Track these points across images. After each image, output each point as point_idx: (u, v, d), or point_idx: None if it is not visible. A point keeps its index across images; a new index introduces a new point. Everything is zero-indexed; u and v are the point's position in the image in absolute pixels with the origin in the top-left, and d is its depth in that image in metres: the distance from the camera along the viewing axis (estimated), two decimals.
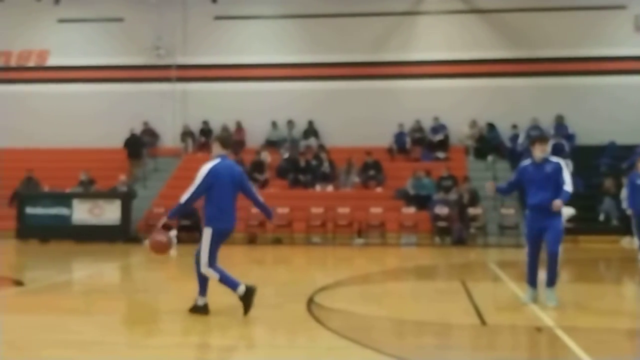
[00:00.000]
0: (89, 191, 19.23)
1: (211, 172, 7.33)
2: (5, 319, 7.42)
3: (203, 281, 7.46)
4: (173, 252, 15.59)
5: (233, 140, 7.58)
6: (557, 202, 7.78)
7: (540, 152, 8.15)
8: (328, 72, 22.76)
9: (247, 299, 7.34)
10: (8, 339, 6.37)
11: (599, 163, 19.65)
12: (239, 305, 7.38)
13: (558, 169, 8.06)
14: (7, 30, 23.86)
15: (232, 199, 7.53)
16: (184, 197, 7.25)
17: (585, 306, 8.24)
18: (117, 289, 10.56)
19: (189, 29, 23.48)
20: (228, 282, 7.40)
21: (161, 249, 7.60)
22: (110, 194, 18.63)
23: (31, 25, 23.91)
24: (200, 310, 7.40)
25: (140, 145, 22.21)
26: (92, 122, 22.87)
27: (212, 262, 7.47)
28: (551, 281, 8.08)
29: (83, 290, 10.34)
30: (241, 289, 7.34)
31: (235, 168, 7.58)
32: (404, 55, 22.58)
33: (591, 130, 20.73)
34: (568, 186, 7.96)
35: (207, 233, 7.38)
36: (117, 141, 22.20)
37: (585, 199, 18.54)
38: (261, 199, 7.85)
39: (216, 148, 7.58)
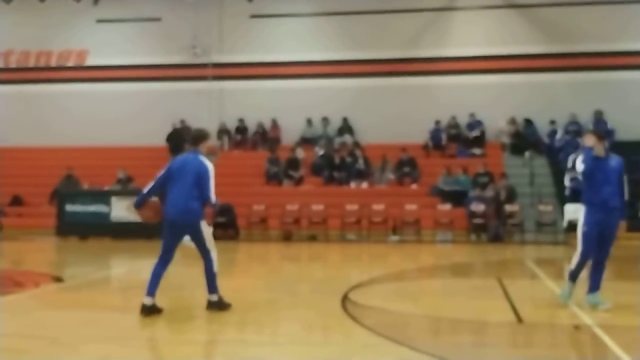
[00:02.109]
0: (127, 189, 19.46)
1: (168, 167, 7.64)
2: (46, 315, 7.56)
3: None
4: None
5: (200, 136, 7.43)
6: (624, 225, 7.65)
7: (602, 147, 7.77)
8: (363, 69, 22.72)
9: (147, 312, 7.14)
10: (48, 334, 6.49)
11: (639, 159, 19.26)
12: (275, 301, 7.41)
13: (621, 166, 7.83)
14: (47, 30, 24.28)
15: (180, 191, 7.32)
16: (146, 188, 7.70)
17: (624, 304, 8.09)
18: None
19: (225, 28, 23.65)
20: (150, 283, 7.23)
21: (151, 216, 7.98)
22: None
23: (70, 25, 24.32)
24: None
25: (182, 140, 22.44)
26: (130, 121, 23.16)
27: (160, 256, 7.36)
28: (598, 286, 7.81)
29: (121, 286, 10.50)
30: (148, 300, 7.17)
31: (190, 162, 7.37)
32: (440, 51, 22.43)
33: (631, 126, 20.35)
34: (626, 193, 7.78)
35: None
36: (154, 139, 22.45)
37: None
38: (211, 198, 7.32)
39: (188, 145, 7.83)
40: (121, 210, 18.22)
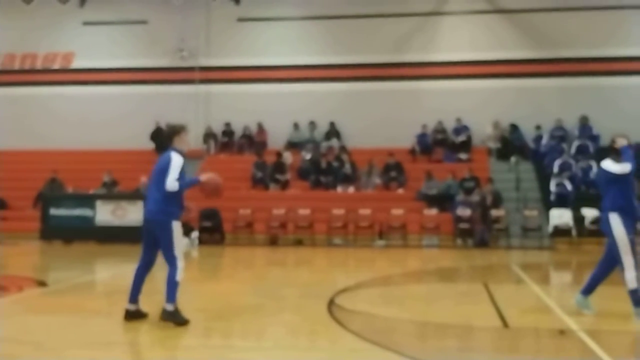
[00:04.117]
0: (112, 192, 19.39)
1: None
2: (30, 319, 7.49)
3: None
4: (194, 252, 15.71)
5: (172, 131, 7.24)
6: None
7: None
8: (350, 74, 22.74)
9: (130, 317, 7.07)
10: (32, 339, 6.42)
11: None
12: (261, 306, 7.36)
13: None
14: (33, 32, 24.13)
15: (151, 190, 7.13)
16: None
17: (610, 309, 8.13)
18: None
19: (212, 31, 23.61)
20: (131, 288, 7.14)
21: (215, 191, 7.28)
22: (132, 195, 18.73)
23: (56, 27, 24.18)
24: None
25: (165, 137, 22.38)
26: (116, 124, 23.04)
27: (139, 259, 7.21)
28: (593, 290, 7.80)
29: (106, 291, 10.42)
30: (130, 306, 7.09)
31: (159, 160, 7.17)
32: (427, 56, 22.50)
33: (615, 131, 20.38)
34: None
35: None
36: (140, 143, 22.37)
37: None
38: (166, 185, 6.87)
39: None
40: (106, 214, 18.15)
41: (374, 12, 22.68)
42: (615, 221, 7.35)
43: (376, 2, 22.65)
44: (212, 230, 18.00)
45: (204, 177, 7.29)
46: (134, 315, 7.10)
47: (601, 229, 7.67)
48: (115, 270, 12.88)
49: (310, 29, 23.33)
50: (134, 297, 7.13)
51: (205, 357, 5.95)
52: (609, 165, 7.56)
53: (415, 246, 17.79)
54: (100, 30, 24.06)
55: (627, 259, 7.27)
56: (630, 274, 7.27)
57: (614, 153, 7.62)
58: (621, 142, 7.63)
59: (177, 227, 7.01)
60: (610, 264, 7.63)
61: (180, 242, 7.08)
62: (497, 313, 7.85)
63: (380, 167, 20.54)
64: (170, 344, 6.44)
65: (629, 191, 7.46)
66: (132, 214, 18.10)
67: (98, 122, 23.22)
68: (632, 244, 7.30)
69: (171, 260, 6.96)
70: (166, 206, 6.95)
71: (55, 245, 17.66)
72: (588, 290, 7.78)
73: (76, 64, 24.13)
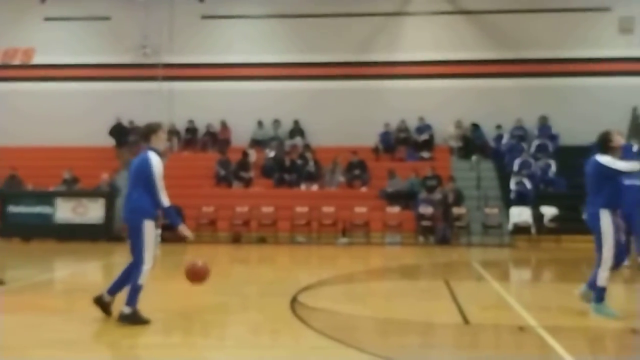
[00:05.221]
0: (73, 190, 19.12)
1: None
2: None
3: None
4: (157, 250, 15.56)
5: (148, 130, 7.15)
6: None
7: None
8: (314, 72, 22.75)
9: (99, 302, 7.06)
10: None
11: (582, 163, 19.68)
12: (223, 304, 7.33)
13: None
14: None
15: (128, 190, 7.10)
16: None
17: (568, 306, 8.28)
18: (100, 288, 10.45)
19: (175, 28, 23.40)
20: (115, 280, 7.12)
21: (198, 276, 7.13)
22: (93, 193, 18.55)
23: (17, 23, 23.73)
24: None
25: (124, 132, 22.25)
26: (77, 121, 22.72)
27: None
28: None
29: (65, 289, 10.28)
30: (107, 298, 7.05)
31: (136, 160, 7.07)
32: (391, 55, 22.62)
33: (574, 131, 20.82)
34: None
35: None
36: (102, 140, 22.13)
37: (568, 199, 18.65)
38: (159, 199, 6.87)
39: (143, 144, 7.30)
40: (66, 211, 17.91)
41: (338, 12, 22.72)
42: (606, 218, 7.34)
43: (340, 1, 22.70)
44: (174, 228, 17.84)
45: (183, 229, 7.20)
46: (102, 305, 7.00)
47: (588, 224, 7.56)
48: (74, 269, 12.74)
49: (275, 27, 23.29)
50: (112, 290, 7.05)
51: (165, 356, 5.91)
52: (609, 161, 7.37)
53: (378, 244, 17.90)
54: (61, 26, 23.70)
55: (607, 257, 7.33)
56: (604, 272, 7.34)
57: (609, 149, 7.46)
58: (620, 140, 7.57)
59: (149, 228, 6.92)
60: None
61: (151, 245, 6.98)
62: (457, 310, 7.94)
63: (343, 165, 20.60)
64: (129, 342, 6.38)
65: (619, 189, 7.52)
66: (93, 212, 17.94)
67: (59, 118, 22.86)
68: (617, 243, 7.36)
69: (139, 262, 6.88)
70: (140, 206, 6.89)
71: (13, 243, 17.38)
72: (592, 283, 7.60)
73: (37, 59, 23.72)
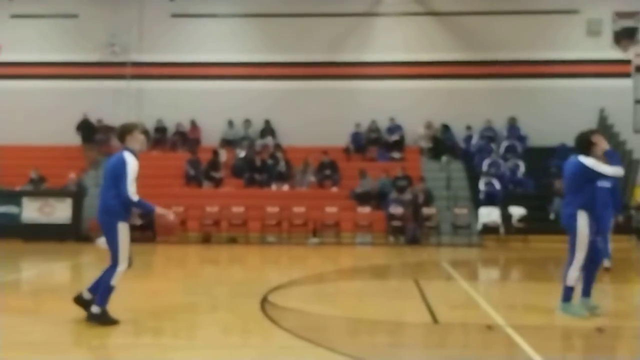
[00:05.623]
0: (40, 189, 18.87)
1: None
2: None
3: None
4: None
5: (124, 130, 7.11)
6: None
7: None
8: (285, 72, 22.72)
9: (79, 302, 7.00)
10: None
11: (550, 164, 20.04)
12: (193, 304, 7.29)
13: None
14: None
15: (101, 190, 7.06)
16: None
17: (535, 305, 8.39)
18: (67, 289, 10.35)
19: (145, 27, 23.20)
20: (97, 279, 7.05)
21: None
22: (61, 192, 18.31)
23: None
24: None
25: (93, 130, 22.03)
26: (44, 119, 22.40)
27: None
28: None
29: (33, 290, 10.13)
30: (87, 295, 7.00)
31: (111, 160, 7.06)
32: (361, 56, 22.68)
33: (542, 132, 21.13)
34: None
35: None
36: (69, 139, 21.86)
37: (536, 199, 18.93)
38: (126, 194, 6.76)
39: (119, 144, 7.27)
40: (33, 211, 17.66)
41: (309, 12, 22.73)
42: (583, 219, 7.35)
43: (311, 1, 22.73)
44: (143, 228, 17.70)
45: (160, 210, 7.12)
46: (82, 303, 6.94)
47: (564, 224, 7.57)
48: (41, 269, 12.56)
49: (246, 27, 23.22)
50: (93, 288, 6.96)
51: (134, 357, 5.86)
52: (594, 164, 7.35)
53: (348, 244, 17.94)
54: (28, 23, 23.34)
55: (579, 258, 7.37)
56: (574, 272, 7.41)
57: (590, 151, 7.45)
58: (606, 145, 7.54)
59: (123, 229, 6.86)
60: (591, 258, 7.53)
61: (126, 246, 6.89)
62: (427, 309, 7.99)
63: (314, 166, 20.62)
64: (97, 343, 6.32)
65: (598, 193, 7.57)
66: (60, 212, 17.73)
67: (25, 117, 22.51)
68: (591, 245, 7.39)
69: (113, 262, 6.84)
70: (115, 207, 6.83)
71: None
72: (586, 291, 7.66)
73: (3, 57, 23.29)
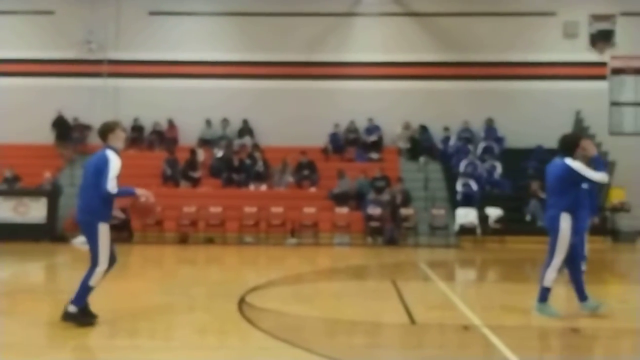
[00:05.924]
0: (14, 188, 18.64)
1: None
2: None
3: None
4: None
5: (105, 129, 7.06)
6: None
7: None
8: (263, 71, 22.67)
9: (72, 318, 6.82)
10: None
11: (526, 166, 20.21)
12: (170, 305, 7.25)
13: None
14: None
15: (81, 189, 6.99)
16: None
17: (511, 305, 8.44)
18: (42, 289, 10.27)
19: (122, 24, 23.02)
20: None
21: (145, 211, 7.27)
22: (35, 192, 18.11)
23: None
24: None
25: (67, 127, 21.83)
26: (19, 117, 22.09)
27: None
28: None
29: (6, 290, 9.98)
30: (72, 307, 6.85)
31: (92, 158, 6.99)
32: (340, 56, 22.69)
33: (519, 134, 21.29)
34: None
35: None
36: (44, 137, 21.64)
37: (513, 201, 19.06)
38: (106, 188, 6.68)
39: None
40: (7, 210, 17.45)
41: (288, 11, 22.71)
42: (566, 222, 7.36)
43: (290, 0, 22.71)
44: (119, 228, 17.54)
45: (140, 191, 7.08)
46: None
47: (546, 225, 7.57)
48: (15, 269, 12.41)
49: (224, 25, 23.12)
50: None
51: (110, 358, 5.81)
52: (581, 168, 7.35)
53: (326, 244, 17.93)
54: (3, 20, 23.01)
55: (558, 260, 7.41)
56: (552, 274, 7.45)
57: (575, 153, 7.47)
58: (594, 150, 7.59)
59: (104, 229, 6.80)
60: (573, 260, 7.56)
61: (107, 247, 6.84)
62: (404, 310, 8.01)
63: (293, 166, 20.58)
64: (73, 344, 6.26)
65: (580, 195, 7.55)
66: (35, 211, 17.54)
67: (0, 114, 22.23)
68: (573, 248, 7.43)
69: (93, 264, 6.78)
70: (96, 207, 6.76)
71: None
72: (581, 295, 7.63)
73: None
